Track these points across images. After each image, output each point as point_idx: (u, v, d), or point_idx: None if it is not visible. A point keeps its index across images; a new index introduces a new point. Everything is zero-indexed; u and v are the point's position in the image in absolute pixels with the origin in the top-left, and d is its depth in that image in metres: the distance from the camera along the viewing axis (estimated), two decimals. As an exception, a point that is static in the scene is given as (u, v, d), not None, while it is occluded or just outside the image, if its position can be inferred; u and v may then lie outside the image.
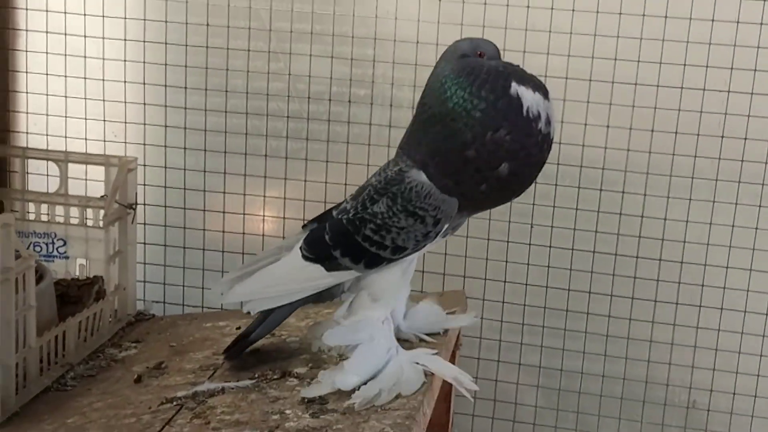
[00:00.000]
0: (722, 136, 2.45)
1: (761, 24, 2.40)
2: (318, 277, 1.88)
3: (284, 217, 2.70)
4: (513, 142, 1.70)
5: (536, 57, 2.47)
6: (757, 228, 2.49)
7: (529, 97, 1.70)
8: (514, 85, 1.70)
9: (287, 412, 1.71)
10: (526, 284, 2.61)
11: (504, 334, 2.54)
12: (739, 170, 2.47)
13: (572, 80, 2.49)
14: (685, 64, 2.44)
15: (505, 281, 2.62)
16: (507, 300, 2.61)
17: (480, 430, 2.68)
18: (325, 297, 1.96)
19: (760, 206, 2.48)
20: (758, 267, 2.50)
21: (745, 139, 2.44)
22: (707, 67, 2.43)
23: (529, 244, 2.58)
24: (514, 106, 1.69)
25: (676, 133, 2.47)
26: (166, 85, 2.65)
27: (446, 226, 1.80)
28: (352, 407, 1.69)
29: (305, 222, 2.00)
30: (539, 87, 1.72)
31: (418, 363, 1.81)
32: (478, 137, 1.69)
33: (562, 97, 2.46)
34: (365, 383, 1.75)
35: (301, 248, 1.90)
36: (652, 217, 2.52)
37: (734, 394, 2.57)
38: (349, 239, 1.84)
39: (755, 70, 2.41)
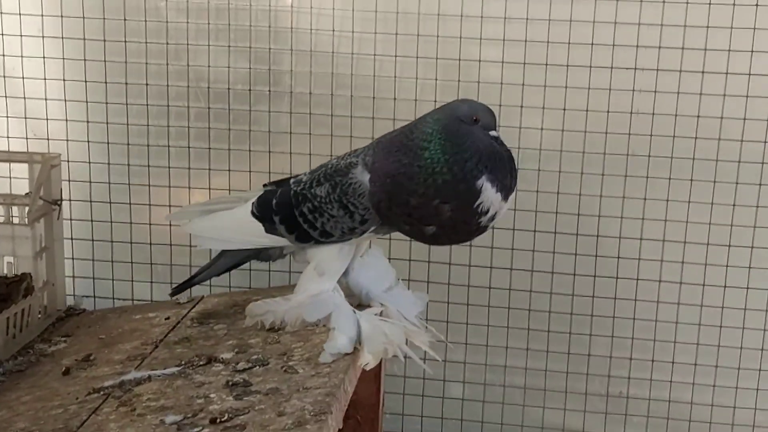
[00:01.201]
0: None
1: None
2: (258, 235, 2.03)
3: (210, 208, 2.70)
4: (450, 219, 1.83)
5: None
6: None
7: (488, 196, 1.81)
8: (482, 179, 1.80)
9: (212, 395, 1.75)
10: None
11: (431, 314, 2.57)
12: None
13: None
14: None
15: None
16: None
17: (410, 409, 2.73)
18: (263, 257, 2.14)
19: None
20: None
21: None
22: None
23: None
24: (471, 196, 1.81)
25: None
26: (85, 81, 2.64)
27: (373, 228, 1.93)
28: (274, 389, 1.73)
29: (268, 182, 2.14)
30: (504, 187, 1.83)
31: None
32: (426, 196, 1.82)
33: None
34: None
35: (252, 204, 2.04)
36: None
37: (671, 382, 2.63)
38: (288, 210, 1.98)
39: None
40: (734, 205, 2.50)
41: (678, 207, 2.53)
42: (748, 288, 2.54)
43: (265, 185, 2.14)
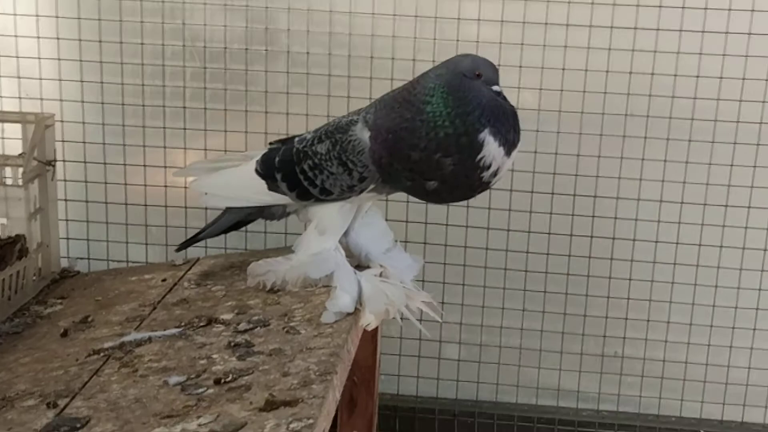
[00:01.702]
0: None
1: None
2: (261, 193, 2.03)
3: (206, 168, 2.69)
4: (451, 174, 1.81)
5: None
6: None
7: (490, 150, 1.79)
8: (485, 133, 1.78)
9: (214, 356, 1.74)
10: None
11: (427, 275, 2.57)
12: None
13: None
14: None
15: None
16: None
17: (406, 370, 2.75)
18: (267, 215, 2.14)
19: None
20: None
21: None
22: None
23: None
24: (473, 149, 1.79)
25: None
26: (80, 40, 2.61)
27: (371, 186, 1.92)
28: (277, 349, 1.73)
29: (274, 141, 2.13)
30: (506, 142, 1.81)
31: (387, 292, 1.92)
32: (428, 150, 1.80)
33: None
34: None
35: (257, 161, 2.04)
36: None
37: (666, 341, 2.65)
38: (290, 167, 1.98)
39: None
40: (732, 165, 2.51)
41: (675, 168, 2.53)
42: (744, 248, 2.56)
43: (270, 144, 2.13)
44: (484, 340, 2.70)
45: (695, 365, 2.63)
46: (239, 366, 1.68)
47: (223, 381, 1.62)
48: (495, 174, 1.83)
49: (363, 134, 1.89)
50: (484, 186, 1.86)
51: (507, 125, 1.81)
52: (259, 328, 1.85)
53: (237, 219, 2.17)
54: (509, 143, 1.81)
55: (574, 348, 2.68)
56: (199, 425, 1.47)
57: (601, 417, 2.71)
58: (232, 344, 1.78)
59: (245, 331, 1.85)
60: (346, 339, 1.76)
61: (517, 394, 2.74)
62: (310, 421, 1.44)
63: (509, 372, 2.71)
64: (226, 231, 2.22)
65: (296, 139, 2.03)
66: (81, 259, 2.71)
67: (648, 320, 2.63)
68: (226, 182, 2.11)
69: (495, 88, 1.85)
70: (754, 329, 2.60)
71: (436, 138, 1.79)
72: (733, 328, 2.61)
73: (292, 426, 1.43)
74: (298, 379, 1.59)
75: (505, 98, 1.85)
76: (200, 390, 1.60)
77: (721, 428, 2.67)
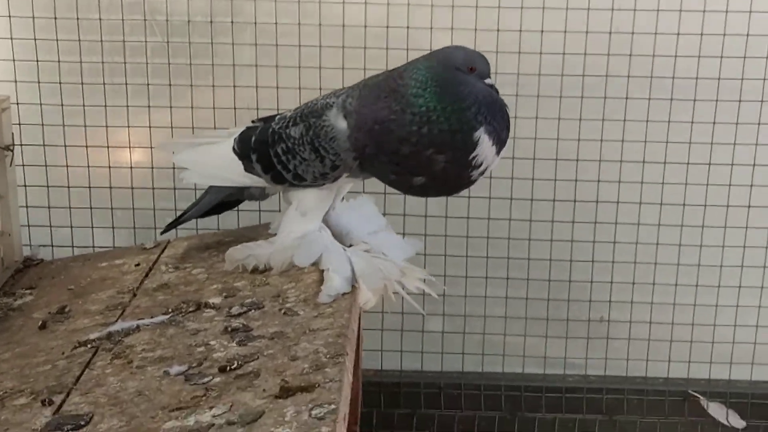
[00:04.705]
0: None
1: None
2: (237, 173, 1.97)
3: (173, 145, 2.61)
4: (442, 171, 1.76)
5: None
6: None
7: (483, 149, 1.74)
8: (480, 131, 1.73)
9: (212, 343, 1.67)
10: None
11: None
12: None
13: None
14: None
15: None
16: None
17: (389, 344, 2.70)
18: (247, 195, 2.08)
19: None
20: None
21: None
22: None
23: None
24: (467, 148, 1.74)
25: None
26: (33, 17, 2.50)
27: (345, 174, 1.86)
28: (279, 332, 1.66)
29: (256, 119, 2.07)
30: (499, 141, 1.76)
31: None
32: (420, 145, 1.74)
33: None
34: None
35: (234, 140, 1.98)
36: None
37: (651, 303, 2.64)
38: (265, 149, 1.91)
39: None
40: (714, 123, 2.50)
41: (657, 127, 2.51)
42: (727, 206, 2.56)
43: (253, 121, 2.06)
44: (468, 311, 2.67)
45: (681, 326, 2.63)
46: (242, 352, 1.62)
47: (228, 368, 1.56)
48: (482, 173, 1.79)
49: (338, 120, 1.83)
50: (470, 184, 1.82)
51: (501, 123, 1.77)
52: (253, 311, 1.79)
53: (219, 198, 2.10)
54: (501, 142, 1.77)
55: (560, 314, 2.66)
56: (214, 416, 1.41)
57: (588, 382, 2.71)
58: (229, 329, 1.71)
59: (239, 314, 1.78)
60: (349, 319, 1.70)
61: (503, 363, 2.71)
62: (333, 406, 1.38)
63: (494, 341, 2.69)
64: (210, 212, 2.15)
65: (277, 117, 1.97)
66: (44, 246, 2.63)
67: (633, 283, 2.62)
68: (205, 160, 2.05)
69: (488, 81, 1.80)
70: (739, 287, 2.61)
71: (429, 133, 1.74)
72: (719, 286, 2.61)
73: (314, 413, 1.37)
74: (309, 362, 1.53)
75: (497, 92, 1.80)
76: (206, 379, 1.54)
77: (708, 387, 2.68)
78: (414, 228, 2.58)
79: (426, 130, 1.73)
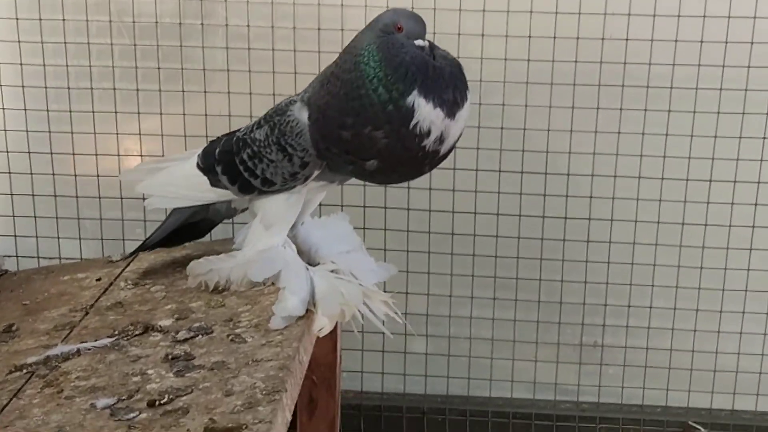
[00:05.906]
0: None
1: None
2: (203, 189, 1.88)
3: (142, 155, 2.54)
4: (387, 148, 1.63)
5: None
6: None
7: (423, 113, 1.60)
8: (414, 94, 1.60)
9: (149, 372, 1.57)
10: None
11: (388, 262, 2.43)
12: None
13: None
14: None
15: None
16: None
17: (370, 366, 2.61)
18: (212, 214, 1.98)
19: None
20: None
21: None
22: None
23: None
24: (402, 115, 1.61)
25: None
26: (17, 18, 2.44)
27: (316, 172, 1.75)
28: (220, 362, 1.55)
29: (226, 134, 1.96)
30: (444, 102, 1.61)
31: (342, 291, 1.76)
32: (357, 125, 1.63)
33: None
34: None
35: (198, 155, 1.89)
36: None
37: (648, 328, 2.53)
38: (230, 158, 1.82)
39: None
40: (715, 137, 2.39)
41: (654, 140, 2.40)
42: (730, 226, 2.44)
43: (218, 138, 1.97)
44: (452, 332, 2.57)
45: (681, 352, 2.52)
46: (177, 384, 1.51)
47: (158, 403, 1.45)
48: (440, 140, 1.64)
49: (302, 114, 1.73)
50: (431, 156, 1.67)
51: (439, 83, 1.62)
52: (200, 336, 1.69)
53: (182, 220, 1.99)
54: (448, 103, 1.62)
55: (551, 338, 2.55)
56: (129, 459, 1.29)
57: (581, 410, 2.60)
58: (170, 357, 1.61)
59: (185, 340, 1.68)
60: (297, 348, 1.58)
61: (490, 387, 2.61)
62: (255, 451, 1.26)
63: (481, 365, 2.59)
64: (177, 238, 2.06)
65: (243, 127, 1.88)
66: (8, 257, 2.56)
67: (629, 306, 2.51)
68: (169, 181, 1.96)
69: (419, 42, 1.65)
70: (743, 312, 2.49)
71: (362, 110, 1.62)
72: (721, 312, 2.49)
73: (236, 459, 1.24)
74: (243, 399, 1.42)
75: (433, 52, 1.66)
76: (132, 414, 1.43)
77: (710, 418, 2.57)
78: (395, 244, 2.48)
79: (358, 106, 1.62)
